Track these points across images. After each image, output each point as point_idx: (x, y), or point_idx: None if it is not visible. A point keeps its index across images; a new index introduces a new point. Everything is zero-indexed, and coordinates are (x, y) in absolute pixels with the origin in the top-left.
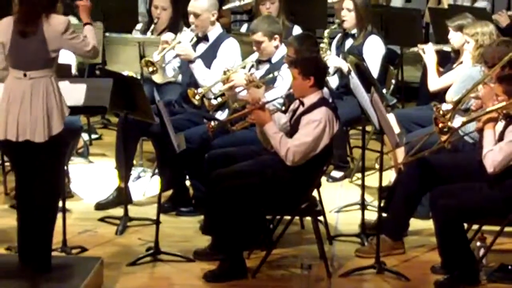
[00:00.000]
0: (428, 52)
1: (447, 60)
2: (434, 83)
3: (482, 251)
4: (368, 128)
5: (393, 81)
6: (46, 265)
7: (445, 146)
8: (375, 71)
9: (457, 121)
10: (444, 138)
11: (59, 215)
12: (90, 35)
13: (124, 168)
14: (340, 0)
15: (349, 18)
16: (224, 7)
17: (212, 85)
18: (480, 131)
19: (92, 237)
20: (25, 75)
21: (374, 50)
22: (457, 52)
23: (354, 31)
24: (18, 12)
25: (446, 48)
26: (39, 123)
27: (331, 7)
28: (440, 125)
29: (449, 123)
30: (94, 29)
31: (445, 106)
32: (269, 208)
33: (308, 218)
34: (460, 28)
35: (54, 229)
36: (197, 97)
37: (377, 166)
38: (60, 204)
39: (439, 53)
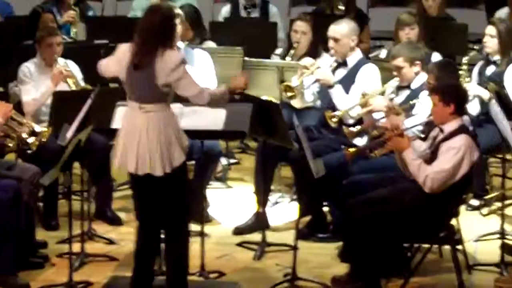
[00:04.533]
0: None
1: None
2: None
3: None
4: (509, 156)
5: None
6: None
7: None
8: None
9: None
10: None
11: (198, 240)
12: (217, 91)
13: (263, 193)
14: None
15: (491, 44)
16: (371, 55)
17: (350, 108)
18: None
19: (230, 262)
20: (140, 107)
21: None
22: None
23: (496, 57)
24: (134, 44)
25: None
26: (157, 157)
27: (471, 34)
28: None
29: None
30: (227, 96)
31: None
32: (408, 236)
33: (447, 247)
34: None
35: (188, 254)
36: (334, 119)
37: None
38: (199, 228)
39: None
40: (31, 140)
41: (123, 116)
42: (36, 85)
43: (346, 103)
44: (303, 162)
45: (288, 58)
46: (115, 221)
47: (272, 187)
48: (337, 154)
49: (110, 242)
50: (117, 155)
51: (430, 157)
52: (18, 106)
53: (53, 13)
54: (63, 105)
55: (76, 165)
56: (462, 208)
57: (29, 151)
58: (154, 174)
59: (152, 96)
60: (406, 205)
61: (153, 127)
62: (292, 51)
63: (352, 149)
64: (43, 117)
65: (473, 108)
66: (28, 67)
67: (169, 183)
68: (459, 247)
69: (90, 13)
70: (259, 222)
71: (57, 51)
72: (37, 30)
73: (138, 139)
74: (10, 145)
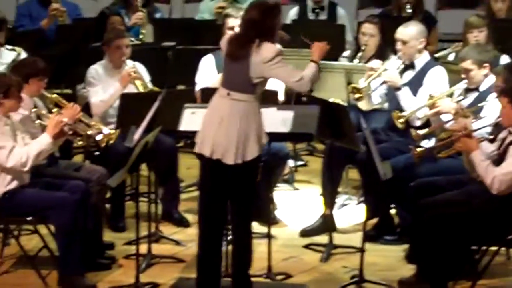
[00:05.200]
0: None
1: None
2: None
3: None
4: None
5: None
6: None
7: None
8: None
9: None
10: None
11: (265, 241)
12: (309, 71)
13: (330, 195)
14: None
15: None
16: (437, 55)
17: (417, 109)
18: None
19: (297, 264)
20: (228, 94)
21: None
22: None
23: None
24: (234, 36)
25: None
26: (232, 145)
27: None
28: None
29: None
30: (317, 68)
31: None
32: (475, 238)
33: None
34: None
35: (251, 252)
36: (401, 120)
37: None
38: (266, 230)
39: None
40: (99, 137)
41: (210, 103)
42: (104, 87)
43: (414, 105)
44: (370, 165)
45: (356, 61)
46: (182, 223)
47: (339, 189)
48: (404, 156)
49: (177, 243)
50: (198, 139)
51: (498, 159)
52: (86, 108)
53: (121, 15)
54: (130, 107)
55: (144, 166)
56: None
57: (96, 153)
58: (225, 162)
59: (242, 86)
60: (474, 207)
61: (236, 116)
62: (360, 54)
63: (419, 149)
64: (111, 119)
65: None
66: (96, 69)
67: (239, 174)
68: None
69: (158, 15)
70: (326, 224)
71: (125, 53)
72: (105, 32)
73: (218, 124)
74: (80, 142)
